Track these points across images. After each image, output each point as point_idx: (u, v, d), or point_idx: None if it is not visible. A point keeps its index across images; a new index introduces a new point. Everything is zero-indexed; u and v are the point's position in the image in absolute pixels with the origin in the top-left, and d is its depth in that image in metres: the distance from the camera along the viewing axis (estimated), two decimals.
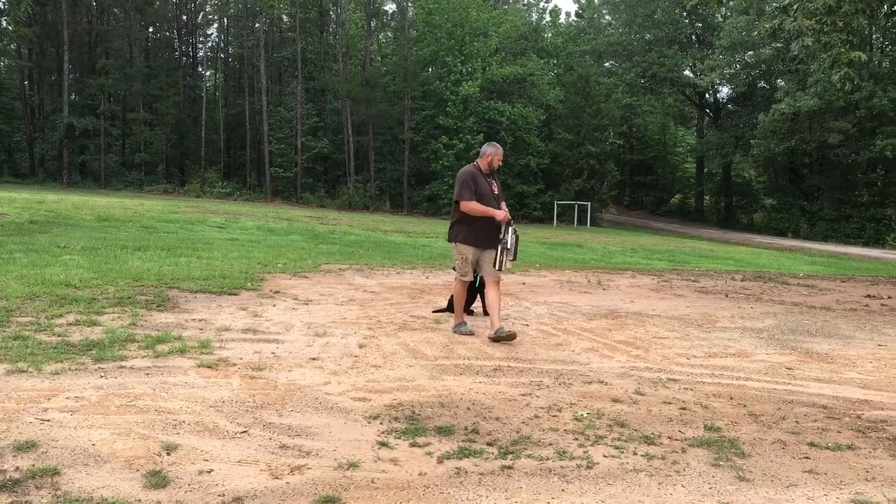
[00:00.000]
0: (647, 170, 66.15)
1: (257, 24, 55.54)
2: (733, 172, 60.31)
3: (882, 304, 12.19)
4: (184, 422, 4.55)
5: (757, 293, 12.95)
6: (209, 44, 65.02)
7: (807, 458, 4.42)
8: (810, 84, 43.68)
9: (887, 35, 48.00)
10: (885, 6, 13.02)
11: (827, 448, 4.60)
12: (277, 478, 3.82)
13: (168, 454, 4.02)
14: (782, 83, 50.89)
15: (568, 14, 69.85)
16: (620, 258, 24.66)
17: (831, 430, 4.99)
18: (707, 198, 64.95)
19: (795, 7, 12.54)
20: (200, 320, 7.77)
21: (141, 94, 53.26)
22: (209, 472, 3.84)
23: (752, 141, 49.23)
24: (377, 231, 28.90)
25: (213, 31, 65.21)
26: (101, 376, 5.41)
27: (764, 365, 6.94)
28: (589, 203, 48.54)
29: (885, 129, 43.24)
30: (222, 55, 63.48)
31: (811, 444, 4.65)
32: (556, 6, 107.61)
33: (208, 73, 64.45)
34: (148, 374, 5.53)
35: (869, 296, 13.31)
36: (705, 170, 64.21)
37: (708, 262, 24.80)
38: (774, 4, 12.43)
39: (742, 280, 15.04)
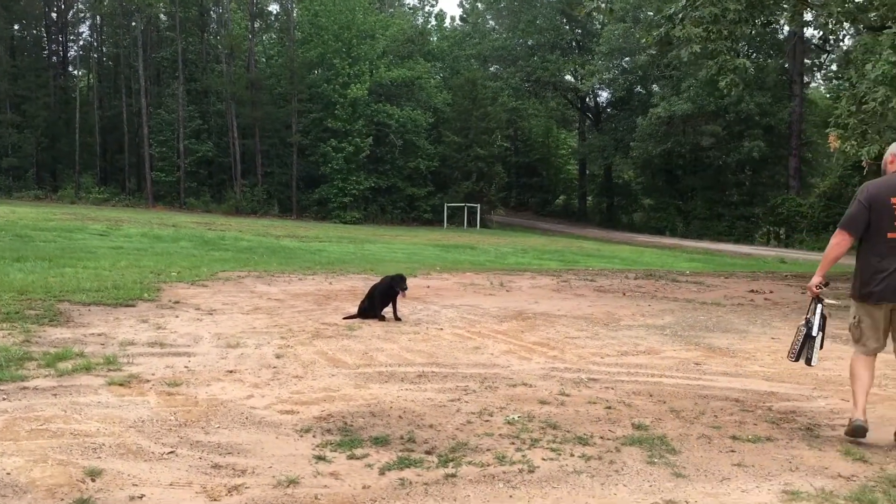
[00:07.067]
0: (533, 172, 67.57)
1: (133, 23, 53.28)
2: (614, 174, 62.49)
3: (766, 299, 12.89)
4: (104, 444, 4.29)
5: (651, 291, 13.44)
6: (81, 42, 61.78)
7: (732, 451, 4.60)
8: (683, 89, 45.82)
9: (751, 43, 50.92)
10: (762, 17, 13.86)
11: (748, 440, 4.80)
12: (216, 500, 3.65)
13: (93, 480, 3.78)
14: (657, 88, 53.11)
15: (453, 18, 70.50)
16: (513, 259, 25.08)
17: (748, 423, 5.21)
18: (590, 198, 67.02)
19: (681, 16, 13.11)
20: (100, 334, 7.37)
21: (7, 95, 50.11)
22: (140, 497, 3.63)
23: (631, 143, 51.14)
24: (268, 236, 28.27)
25: (84, 29, 61.99)
26: (4, 398, 5.03)
27: (674, 361, 7.19)
28: (478, 205, 49.13)
29: (752, 133, 45.87)
30: (95, 55, 60.52)
31: (734, 438, 4.84)
32: (441, 10, 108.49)
33: (80, 73, 61.25)
34: (55, 395, 5.18)
35: (752, 291, 14.06)
36: (587, 171, 66.29)
37: (596, 261, 25.56)
38: (650, 14, 12.95)
39: (635, 278, 15.58)
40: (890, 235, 4.71)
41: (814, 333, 5.06)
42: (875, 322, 4.87)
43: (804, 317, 5.18)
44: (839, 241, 4.87)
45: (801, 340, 5.12)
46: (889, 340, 4.96)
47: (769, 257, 32.84)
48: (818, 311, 5.06)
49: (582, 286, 13.85)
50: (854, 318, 4.97)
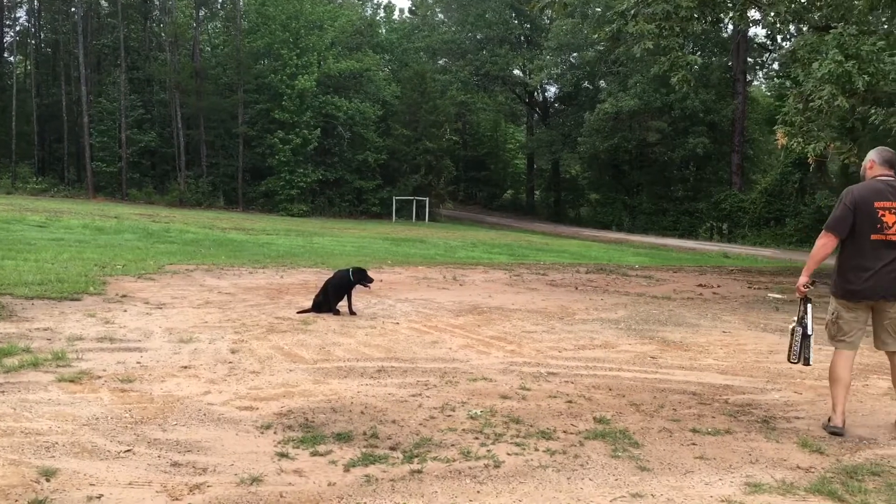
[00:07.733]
0: (481, 165, 67.77)
1: (73, 9, 51.74)
2: (561, 168, 62.97)
3: (714, 293, 13.13)
4: (57, 443, 4.14)
5: (603, 285, 13.58)
6: (17, 28, 59.75)
7: (694, 444, 4.65)
8: (630, 86, 46.42)
9: (697, 42, 51.84)
10: (712, 14, 14.11)
11: (708, 433, 4.86)
12: (177, 499, 3.55)
13: (48, 480, 3.64)
14: (605, 84, 53.67)
15: (402, 11, 70.22)
16: (463, 253, 25.10)
17: (707, 416, 5.28)
18: (537, 193, 67.47)
19: (633, 12, 13.25)
20: (45, 329, 7.13)
21: None
22: (99, 497, 3.51)
23: (578, 139, 51.59)
24: (215, 229, 27.75)
25: (21, 14, 59.97)
26: None
27: (630, 355, 7.26)
28: (427, 198, 49.06)
29: (696, 129, 46.71)
30: (33, 41, 58.64)
31: (694, 431, 4.90)
32: (390, 2, 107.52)
33: (17, 59, 59.25)
34: (2, 392, 4.99)
35: (701, 285, 14.30)
36: (535, 166, 66.71)
37: (545, 255, 25.72)
38: (598, 10, 13.11)
39: (587, 272, 15.72)
40: (873, 237, 4.91)
41: (809, 332, 5.17)
42: (857, 319, 5.04)
43: (794, 318, 5.30)
44: (825, 242, 5.04)
45: (798, 341, 5.22)
46: (875, 335, 5.11)
47: (713, 252, 33.50)
48: (809, 310, 5.17)
49: (534, 280, 13.92)
50: (832, 314, 5.12)
